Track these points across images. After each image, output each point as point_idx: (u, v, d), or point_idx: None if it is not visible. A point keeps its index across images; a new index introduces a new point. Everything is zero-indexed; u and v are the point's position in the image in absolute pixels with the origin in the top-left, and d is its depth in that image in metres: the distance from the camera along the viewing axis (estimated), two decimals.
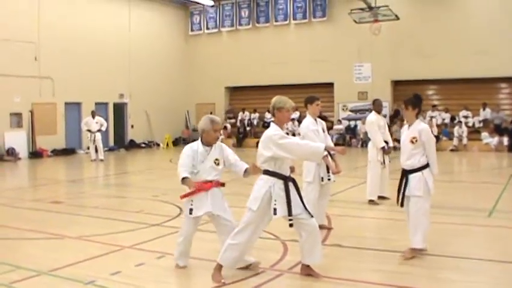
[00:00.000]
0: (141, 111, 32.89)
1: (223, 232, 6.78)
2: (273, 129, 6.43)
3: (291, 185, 6.38)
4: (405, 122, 7.93)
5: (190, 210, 6.82)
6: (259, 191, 6.34)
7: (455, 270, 6.99)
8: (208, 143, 6.88)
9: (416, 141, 7.48)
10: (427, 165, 7.53)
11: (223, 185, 6.98)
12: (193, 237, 7.06)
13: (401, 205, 7.60)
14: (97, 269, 7.06)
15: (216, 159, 6.86)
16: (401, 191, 7.63)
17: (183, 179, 6.67)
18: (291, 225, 6.33)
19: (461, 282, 6.51)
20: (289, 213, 6.23)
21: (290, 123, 30.74)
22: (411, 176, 7.53)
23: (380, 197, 12.03)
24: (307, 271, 6.63)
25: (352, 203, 12.06)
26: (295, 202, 6.31)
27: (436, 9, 29.27)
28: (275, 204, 6.26)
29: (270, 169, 6.36)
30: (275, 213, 6.28)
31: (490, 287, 6.45)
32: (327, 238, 8.58)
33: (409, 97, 7.78)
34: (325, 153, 7.93)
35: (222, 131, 33.51)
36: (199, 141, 6.92)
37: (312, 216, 6.45)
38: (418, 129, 7.50)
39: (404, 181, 7.62)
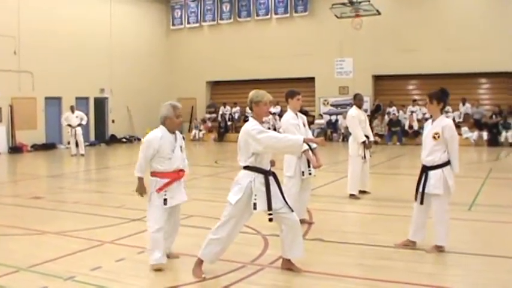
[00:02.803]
0: (122, 106, 32.74)
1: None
2: (251, 124, 6.42)
3: (271, 179, 6.37)
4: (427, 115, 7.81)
5: (165, 200, 6.75)
6: (240, 186, 6.33)
7: (436, 264, 7.04)
8: (172, 130, 6.88)
9: (438, 137, 7.32)
10: (448, 163, 7.40)
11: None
12: None
13: (421, 202, 7.47)
14: (77, 264, 7.01)
15: (181, 147, 7.03)
16: (419, 187, 7.53)
17: (139, 178, 6.99)
18: (270, 219, 6.32)
19: (442, 276, 6.56)
20: (269, 207, 6.22)
21: (271, 117, 30.77)
22: (431, 173, 7.39)
23: (361, 192, 12.07)
24: (288, 265, 6.63)
25: (333, 197, 12.09)
26: (276, 196, 6.31)
27: (418, 4, 29.41)
28: (255, 199, 6.24)
29: (250, 164, 6.34)
30: (255, 208, 6.26)
31: (469, 280, 6.48)
32: (308, 232, 8.59)
33: (435, 90, 7.58)
34: (305, 146, 7.97)
35: (202, 125, 33.54)
36: (163, 128, 6.83)
37: (292, 211, 6.45)
38: (442, 125, 7.35)
39: (424, 177, 7.49)
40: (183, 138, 7.26)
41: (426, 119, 28.15)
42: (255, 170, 6.33)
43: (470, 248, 7.60)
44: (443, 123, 7.39)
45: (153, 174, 6.85)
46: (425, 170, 7.47)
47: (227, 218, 6.37)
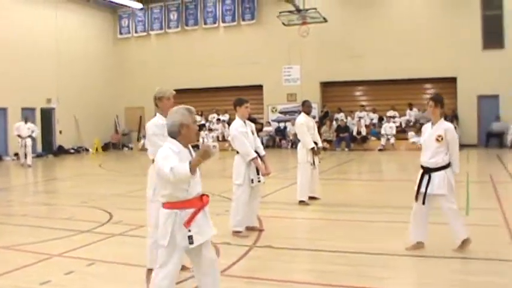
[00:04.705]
0: (70, 116, 32.28)
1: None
2: (152, 122, 6.70)
3: None
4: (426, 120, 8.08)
5: (190, 238, 5.00)
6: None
7: (385, 268, 7.11)
8: (188, 143, 5.22)
9: (442, 139, 7.58)
10: (449, 164, 7.65)
11: None
12: None
13: (423, 202, 7.64)
14: (26, 279, 6.89)
15: None
16: (421, 188, 7.70)
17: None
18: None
19: (391, 279, 6.64)
20: None
21: (220, 125, 30.85)
22: (434, 175, 7.61)
23: (311, 198, 12.15)
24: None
25: (283, 204, 12.13)
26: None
27: (364, 12, 29.93)
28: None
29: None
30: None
31: (418, 282, 6.62)
32: (259, 240, 8.61)
33: (437, 95, 7.95)
34: (254, 154, 8.08)
35: None
36: (176, 142, 5.09)
37: None
38: (444, 128, 7.64)
39: (426, 179, 7.68)
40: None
41: (374, 125, 28.95)
42: None
43: (418, 250, 7.70)
44: (445, 126, 7.69)
45: (169, 205, 5.04)
46: (428, 171, 7.68)
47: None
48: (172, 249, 5.00)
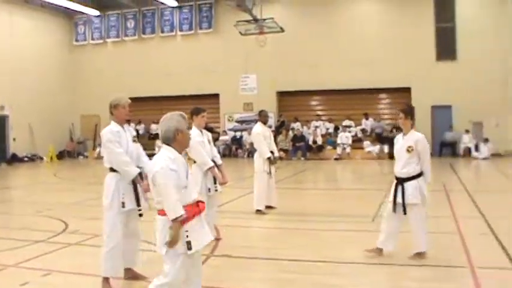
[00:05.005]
0: (24, 124, 31.73)
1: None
2: (106, 129, 6.73)
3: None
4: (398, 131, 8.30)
5: (188, 244, 4.98)
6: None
7: (340, 275, 7.21)
8: (183, 148, 5.27)
9: (412, 150, 7.69)
10: (421, 174, 7.76)
11: None
12: None
13: (404, 213, 7.70)
14: None
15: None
16: (397, 198, 7.76)
17: (175, 221, 4.90)
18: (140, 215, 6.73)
19: (345, 287, 6.72)
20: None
21: None
22: (407, 184, 7.71)
23: (267, 207, 12.20)
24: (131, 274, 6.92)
25: (240, 213, 12.17)
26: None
27: (321, 22, 30.28)
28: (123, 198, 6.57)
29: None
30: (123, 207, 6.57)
31: None
32: (216, 249, 8.60)
33: (407, 107, 8.08)
34: (211, 163, 8.15)
35: None
36: (171, 149, 5.10)
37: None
38: (415, 139, 7.74)
39: (399, 189, 7.76)
40: None
41: (329, 134, 29.19)
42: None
43: (373, 258, 7.84)
44: (416, 137, 7.79)
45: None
46: (401, 181, 7.77)
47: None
48: (172, 256, 4.96)
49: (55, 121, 33.77)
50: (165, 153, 5.03)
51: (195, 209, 5.07)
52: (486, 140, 27.27)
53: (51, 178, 22.83)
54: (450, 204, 12.53)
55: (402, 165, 7.80)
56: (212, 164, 8.90)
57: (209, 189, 8.98)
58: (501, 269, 7.18)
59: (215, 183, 9.04)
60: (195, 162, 8.98)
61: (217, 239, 9.25)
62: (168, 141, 5.08)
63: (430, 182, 7.95)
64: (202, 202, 5.22)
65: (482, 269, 7.09)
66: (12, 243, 9.30)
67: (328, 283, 6.86)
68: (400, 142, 7.92)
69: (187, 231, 4.95)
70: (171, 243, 4.88)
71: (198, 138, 8.97)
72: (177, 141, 5.08)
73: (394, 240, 7.87)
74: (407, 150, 7.73)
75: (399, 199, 7.73)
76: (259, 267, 7.75)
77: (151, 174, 4.97)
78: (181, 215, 4.83)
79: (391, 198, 7.88)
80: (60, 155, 34.05)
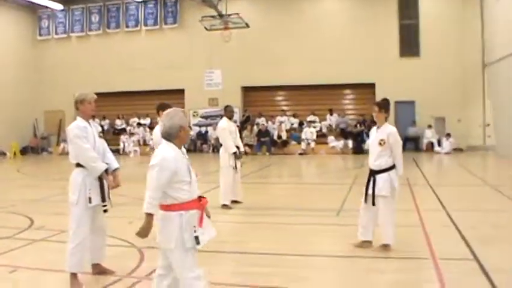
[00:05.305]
0: None
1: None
2: (73, 125, 6.75)
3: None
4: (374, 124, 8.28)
5: (197, 238, 5.06)
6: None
7: (308, 268, 7.33)
8: (183, 144, 5.29)
9: (384, 143, 7.82)
10: (393, 167, 7.88)
11: None
12: None
13: (373, 204, 7.85)
14: None
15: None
16: (368, 190, 7.92)
17: (149, 215, 4.99)
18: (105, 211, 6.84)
19: (314, 280, 6.83)
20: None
21: (141, 129, 30.68)
22: (378, 177, 7.84)
23: (233, 201, 12.27)
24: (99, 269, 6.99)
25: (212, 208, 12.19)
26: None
27: (286, 18, 30.43)
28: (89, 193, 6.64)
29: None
30: (90, 202, 6.61)
31: (340, 280, 6.86)
32: None
33: (382, 100, 8.16)
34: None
35: None
36: (172, 145, 5.11)
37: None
38: (387, 132, 7.88)
39: (372, 181, 7.90)
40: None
41: (294, 129, 29.37)
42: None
43: (340, 250, 7.98)
44: (388, 130, 7.92)
45: (174, 207, 5.03)
46: (373, 174, 7.92)
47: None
48: (181, 252, 5.03)
49: (18, 116, 33.37)
50: (164, 149, 5.07)
51: (199, 204, 5.14)
52: (448, 135, 27.76)
53: (15, 174, 22.59)
54: (413, 198, 12.73)
55: (375, 158, 7.97)
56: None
57: None
58: (462, 260, 7.34)
59: None
60: None
61: None
62: (169, 137, 5.10)
63: (401, 175, 8.07)
64: (204, 197, 5.25)
65: (444, 260, 7.25)
66: None
67: (299, 275, 6.96)
68: (374, 135, 8.09)
69: (194, 226, 5.02)
70: (141, 233, 4.99)
71: None
72: (180, 137, 5.11)
73: (371, 231, 8.02)
74: (379, 144, 7.88)
75: (370, 191, 7.90)
76: (227, 261, 7.81)
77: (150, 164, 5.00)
78: (151, 214, 4.92)
79: (364, 190, 8.04)
80: (24, 151, 33.72)
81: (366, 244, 8.03)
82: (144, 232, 4.99)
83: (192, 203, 5.06)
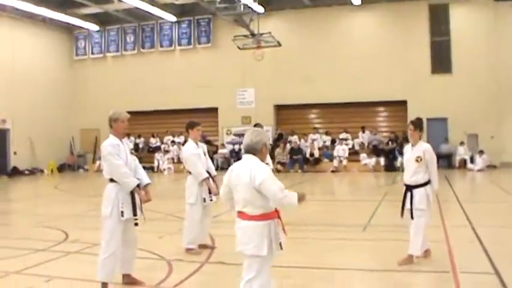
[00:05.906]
0: (25, 137, 32.02)
1: None
2: (106, 142, 7.06)
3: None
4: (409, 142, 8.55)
5: (280, 244, 5.65)
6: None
7: (332, 281, 7.54)
8: (262, 159, 5.69)
9: (421, 160, 8.10)
10: (429, 182, 8.15)
11: None
12: None
13: (412, 217, 8.08)
14: None
15: None
16: (406, 204, 8.18)
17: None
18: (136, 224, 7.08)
19: None
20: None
21: (176, 147, 31.04)
22: (416, 191, 8.11)
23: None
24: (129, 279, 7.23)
25: (234, 223, 12.37)
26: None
27: (317, 37, 30.67)
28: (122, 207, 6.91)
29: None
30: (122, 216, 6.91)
31: None
32: (211, 256, 8.89)
33: (416, 119, 8.54)
34: (206, 174, 8.51)
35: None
36: (256, 158, 5.54)
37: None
38: (423, 149, 8.17)
39: (408, 196, 8.17)
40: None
41: (327, 147, 29.42)
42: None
43: (363, 264, 8.18)
44: (423, 147, 8.22)
45: (266, 216, 5.52)
46: (410, 189, 8.19)
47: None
48: (267, 258, 5.56)
49: (55, 135, 34.00)
50: (255, 161, 5.47)
51: (278, 213, 5.59)
52: (481, 152, 27.54)
53: (52, 190, 23.08)
54: (441, 214, 12.79)
55: (411, 174, 8.21)
56: (207, 175, 9.20)
57: (204, 199, 9.25)
58: (481, 274, 7.48)
59: (210, 193, 9.33)
60: (190, 173, 9.29)
61: (212, 248, 9.54)
62: (253, 152, 5.52)
63: (436, 190, 8.30)
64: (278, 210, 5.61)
65: (465, 274, 7.39)
66: (14, 252, 9.53)
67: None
68: (409, 152, 8.34)
69: (277, 233, 5.52)
70: (301, 198, 5.56)
71: (194, 151, 9.28)
72: (262, 153, 5.55)
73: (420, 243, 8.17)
74: (416, 160, 8.14)
75: (408, 205, 8.14)
76: None
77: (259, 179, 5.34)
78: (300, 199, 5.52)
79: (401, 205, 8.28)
80: (61, 168, 34.32)
81: (427, 252, 8.30)
82: (303, 197, 5.61)
83: (274, 212, 5.55)
